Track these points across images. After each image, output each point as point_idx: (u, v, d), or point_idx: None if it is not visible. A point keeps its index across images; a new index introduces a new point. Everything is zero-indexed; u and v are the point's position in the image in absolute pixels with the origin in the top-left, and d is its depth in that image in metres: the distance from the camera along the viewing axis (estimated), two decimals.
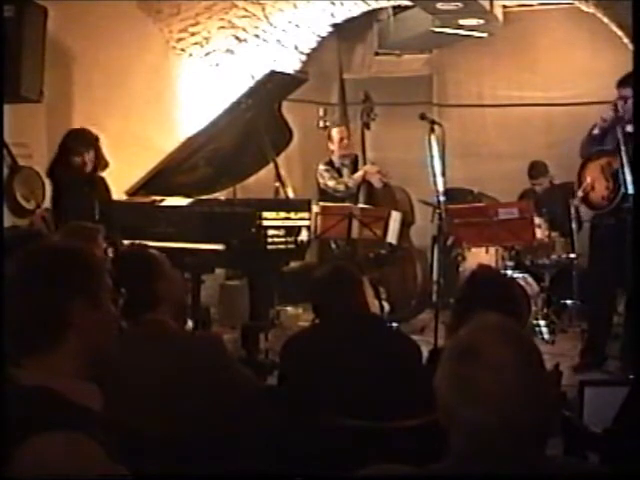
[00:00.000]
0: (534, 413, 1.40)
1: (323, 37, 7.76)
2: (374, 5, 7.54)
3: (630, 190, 4.74)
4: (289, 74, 6.64)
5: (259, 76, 5.86)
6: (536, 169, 6.91)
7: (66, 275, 1.59)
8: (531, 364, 1.43)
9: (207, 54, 7.26)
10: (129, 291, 2.53)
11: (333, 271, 3.08)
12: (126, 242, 4.57)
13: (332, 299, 2.96)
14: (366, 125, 6.59)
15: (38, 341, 1.55)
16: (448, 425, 1.44)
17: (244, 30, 7.17)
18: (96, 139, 5.22)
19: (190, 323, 4.94)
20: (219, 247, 5.14)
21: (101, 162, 5.25)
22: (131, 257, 2.88)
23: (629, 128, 4.85)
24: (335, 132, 6.75)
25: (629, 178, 4.74)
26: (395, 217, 5.95)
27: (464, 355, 1.44)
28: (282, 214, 5.32)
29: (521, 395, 1.38)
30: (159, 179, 5.77)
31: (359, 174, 6.54)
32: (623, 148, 4.78)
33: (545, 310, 6.16)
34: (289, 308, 6.45)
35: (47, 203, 5.78)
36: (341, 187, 6.56)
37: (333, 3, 7.18)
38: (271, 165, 5.86)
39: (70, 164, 5.12)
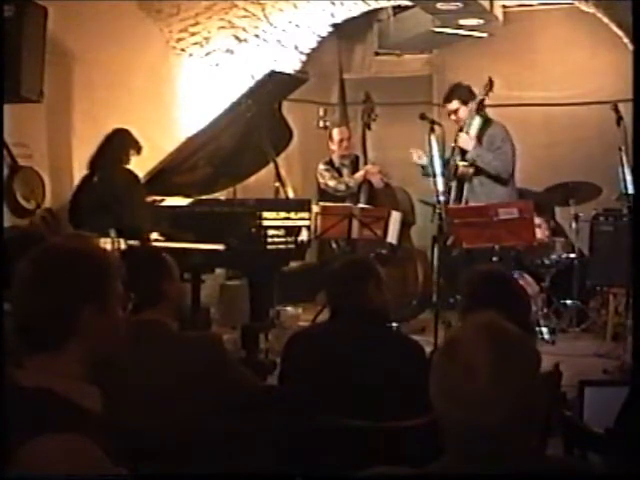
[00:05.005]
0: (510, 413, 1.36)
1: (323, 37, 7.75)
2: (374, 5, 7.53)
3: (630, 190, 4.74)
4: (289, 74, 6.63)
5: (259, 76, 5.85)
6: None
7: (78, 279, 1.56)
8: (511, 363, 1.39)
9: (207, 54, 7.26)
10: (136, 289, 2.52)
11: (346, 265, 3.03)
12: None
13: (344, 294, 2.90)
14: (367, 125, 6.58)
15: (42, 342, 1.54)
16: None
17: (244, 30, 7.16)
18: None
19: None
20: (219, 247, 5.14)
21: None
22: (140, 255, 2.87)
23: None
24: (336, 133, 6.77)
25: (629, 178, 4.74)
26: (395, 217, 5.95)
27: (444, 353, 1.44)
28: (282, 214, 5.32)
29: (493, 394, 1.35)
30: (159, 179, 5.77)
31: (360, 174, 6.53)
32: (622, 147, 4.78)
33: (545, 310, 6.15)
34: (289, 308, 6.44)
35: (47, 203, 5.79)
36: (342, 187, 6.56)
37: (333, 3, 7.17)
38: (271, 165, 5.85)
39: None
